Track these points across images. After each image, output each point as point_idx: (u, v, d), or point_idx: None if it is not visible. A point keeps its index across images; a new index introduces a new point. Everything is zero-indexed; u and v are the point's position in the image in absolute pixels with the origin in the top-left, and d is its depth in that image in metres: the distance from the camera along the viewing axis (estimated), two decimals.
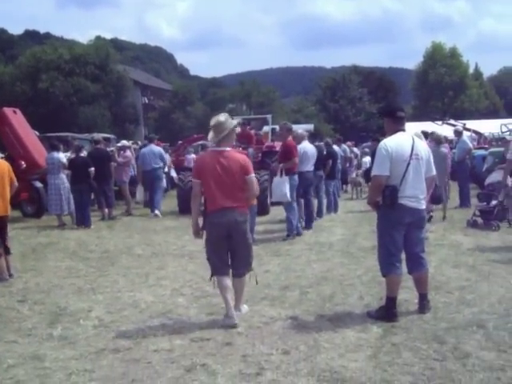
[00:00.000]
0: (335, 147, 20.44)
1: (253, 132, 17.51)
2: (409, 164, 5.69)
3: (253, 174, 5.88)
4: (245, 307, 6.20)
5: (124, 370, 4.74)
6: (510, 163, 9.94)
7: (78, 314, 6.38)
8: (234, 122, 6.03)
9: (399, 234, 5.80)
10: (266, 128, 20.70)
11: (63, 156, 13.73)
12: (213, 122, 5.86)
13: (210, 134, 5.93)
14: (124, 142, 18.65)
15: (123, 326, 5.94)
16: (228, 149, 5.87)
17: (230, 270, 5.99)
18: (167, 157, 17.84)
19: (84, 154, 14.06)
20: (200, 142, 22.43)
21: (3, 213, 8.37)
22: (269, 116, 19.50)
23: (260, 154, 15.78)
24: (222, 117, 5.91)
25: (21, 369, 4.85)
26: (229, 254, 5.97)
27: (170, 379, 4.55)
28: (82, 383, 4.55)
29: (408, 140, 5.83)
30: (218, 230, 5.83)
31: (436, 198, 11.74)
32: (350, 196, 19.47)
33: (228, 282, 5.94)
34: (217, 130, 5.83)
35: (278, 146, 16.18)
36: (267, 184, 13.75)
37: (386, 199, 5.67)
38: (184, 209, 15.23)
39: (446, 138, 15.68)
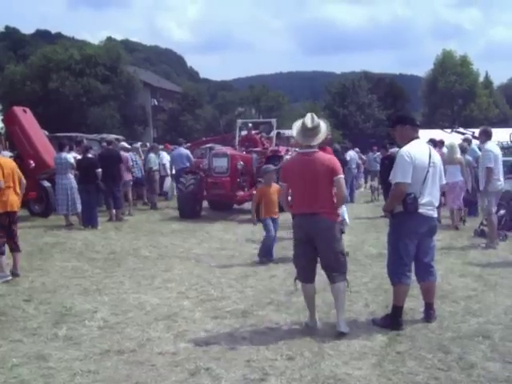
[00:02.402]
0: (351, 153, 20.59)
1: (258, 137, 17.53)
2: (428, 172, 5.65)
3: (341, 176, 5.62)
4: (342, 325, 5.66)
5: (128, 372, 4.74)
6: None
7: (83, 315, 6.39)
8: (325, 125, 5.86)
9: (413, 244, 5.73)
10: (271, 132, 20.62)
11: (71, 156, 13.74)
12: (310, 123, 5.65)
13: (300, 135, 5.73)
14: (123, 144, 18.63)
15: (128, 327, 5.94)
16: (316, 150, 5.71)
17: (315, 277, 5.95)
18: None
19: (91, 154, 14.11)
20: (208, 145, 22.45)
21: (15, 208, 8.46)
22: (273, 120, 19.27)
23: (264, 159, 15.67)
24: (321, 121, 5.80)
25: (25, 368, 4.86)
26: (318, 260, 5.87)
27: (174, 382, 4.55)
28: None
29: (425, 147, 5.82)
30: (298, 234, 5.85)
31: (469, 202, 12.21)
32: (370, 199, 20.40)
33: (309, 288, 5.90)
34: (313, 132, 5.67)
35: (282, 150, 16.20)
36: None
37: (408, 207, 5.56)
38: (184, 213, 14.98)
39: None
